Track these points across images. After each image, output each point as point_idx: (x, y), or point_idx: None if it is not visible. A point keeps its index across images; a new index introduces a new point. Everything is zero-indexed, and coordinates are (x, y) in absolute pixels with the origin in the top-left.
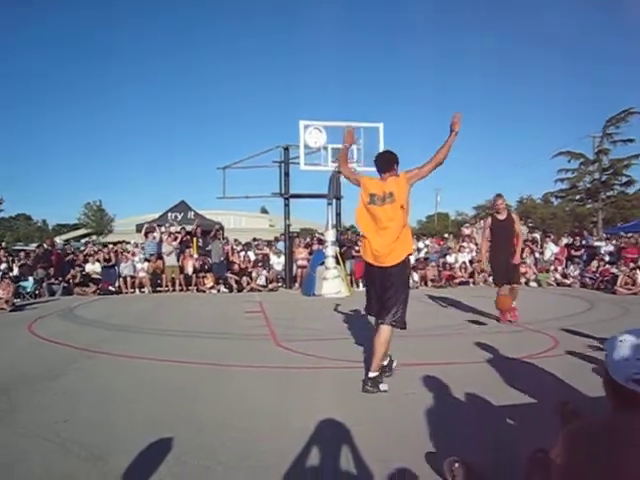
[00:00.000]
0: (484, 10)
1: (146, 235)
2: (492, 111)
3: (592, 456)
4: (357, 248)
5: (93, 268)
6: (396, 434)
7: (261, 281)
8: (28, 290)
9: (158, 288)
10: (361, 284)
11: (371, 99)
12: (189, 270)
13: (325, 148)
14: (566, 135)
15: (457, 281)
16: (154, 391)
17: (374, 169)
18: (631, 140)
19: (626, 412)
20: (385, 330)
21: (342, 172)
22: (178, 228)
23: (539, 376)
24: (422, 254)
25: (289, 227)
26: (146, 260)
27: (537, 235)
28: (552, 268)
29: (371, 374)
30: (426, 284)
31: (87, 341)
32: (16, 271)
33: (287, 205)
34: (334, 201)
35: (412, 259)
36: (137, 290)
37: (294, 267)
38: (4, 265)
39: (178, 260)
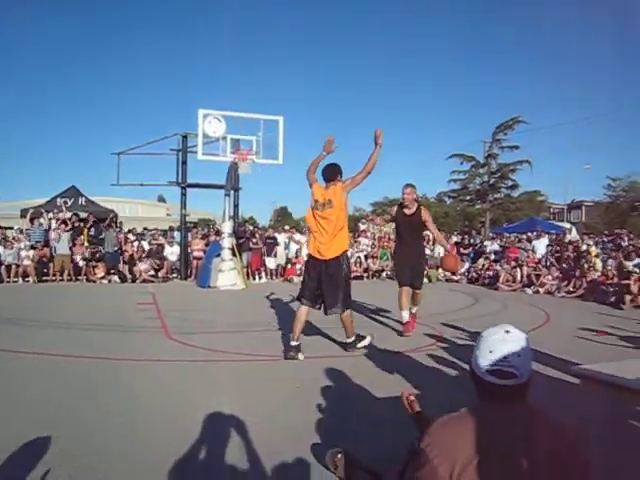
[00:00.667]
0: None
1: (32, 221)
2: (398, 112)
3: (454, 446)
4: (254, 240)
5: None
6: (284, 427)
7: (150, 271)
8: None
9: (44, 277)
10: (257, 277)
11: (273, 91)
12: (79, 259)
13: (224, 138)
14: (462, 138)
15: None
16: (38, 387)
17: (272, 161)
18: (516, 147)
19: (488, 403)
20: (344, 316)
21: (308, 176)
22: (69, 215)
23: (419, 369)
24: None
25: (185, 217)
26: (32, 248)
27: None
28: None
29: (348, 340)
30: None
31: None
32: None
33: (184, 194)
34: (232, 192)
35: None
36: (20, 279)
37: (190, 258)
38: None
39: (70, 249)
